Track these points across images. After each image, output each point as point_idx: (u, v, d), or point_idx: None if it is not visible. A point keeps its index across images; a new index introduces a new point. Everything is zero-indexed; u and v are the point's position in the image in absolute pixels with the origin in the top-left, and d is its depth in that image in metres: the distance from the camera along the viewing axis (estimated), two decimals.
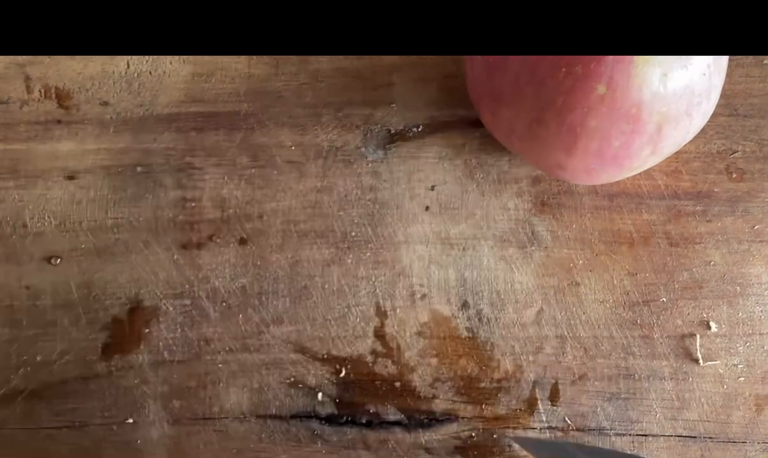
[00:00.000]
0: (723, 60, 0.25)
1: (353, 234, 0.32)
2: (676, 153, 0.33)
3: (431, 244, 0.32)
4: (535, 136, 0.25)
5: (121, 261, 0.32)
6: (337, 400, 0.31)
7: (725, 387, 0.30)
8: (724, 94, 0.33)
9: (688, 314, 0.31)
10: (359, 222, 0.32)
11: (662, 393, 0.30)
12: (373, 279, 0.32)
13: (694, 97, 0.24)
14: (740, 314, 0.31)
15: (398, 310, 0.32)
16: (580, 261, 0.32)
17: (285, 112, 0.34)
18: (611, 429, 0.30)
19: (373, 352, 0.31)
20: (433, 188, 0.33)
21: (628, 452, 0.30)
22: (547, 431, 0.30)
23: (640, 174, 0.33)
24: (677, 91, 0.24)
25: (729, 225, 0.32)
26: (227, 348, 0.32)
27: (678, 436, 0.30)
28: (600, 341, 0.31)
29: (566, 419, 0.31)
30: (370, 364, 0.31)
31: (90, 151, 0.33)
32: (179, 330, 0.32)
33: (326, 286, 0.32)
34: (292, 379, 0.31)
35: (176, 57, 0.34)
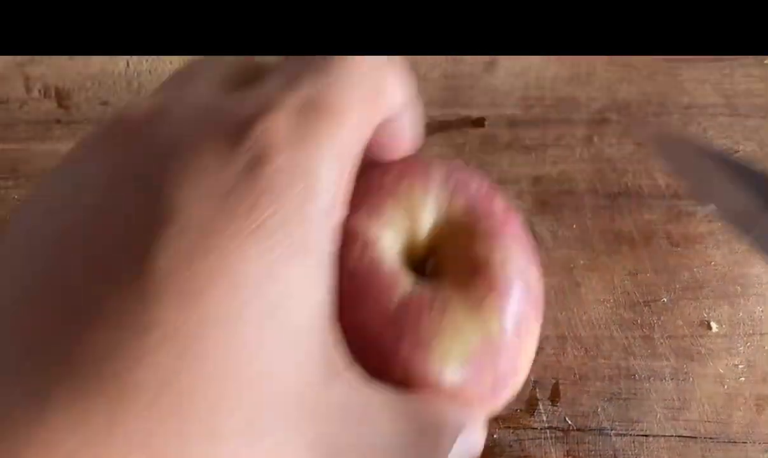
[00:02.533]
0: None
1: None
2: None
3: None
4: None
5: None
6: None
7: (726, 387, 0.30)
8: (726, 94, 0.33)
9: (689, 314, 0.31)
10: None
11: (663, 393, 0.30)
12: None
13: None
14: (741, 314, 0.31)
15: None
16: (581, 262, 0.32)
17: None
18: (612, 430, 0.30)
19: None
20: None
21: (629, 452, 0.30)
22: (548, 431, 0.30)
23: (640, 173, 0.33)
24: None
25: None
26: None
27: (679, 436, 0.30)
28: (601, 341, 0.31)
29: (567, 419, 0.30)
30: None
31: None
32: None
33: None
34: None
35: (176, 57, 0.34)
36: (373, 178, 0.23)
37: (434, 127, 0.33)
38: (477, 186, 0.24)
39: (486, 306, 0.22)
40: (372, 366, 0.20)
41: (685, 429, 0.30)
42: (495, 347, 0.22)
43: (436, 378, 0.21)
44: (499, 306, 0.22)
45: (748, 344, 0.31)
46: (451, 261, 0.22)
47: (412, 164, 0.24)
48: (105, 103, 0.34)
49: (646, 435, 0.30)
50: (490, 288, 0.22)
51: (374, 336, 0.20)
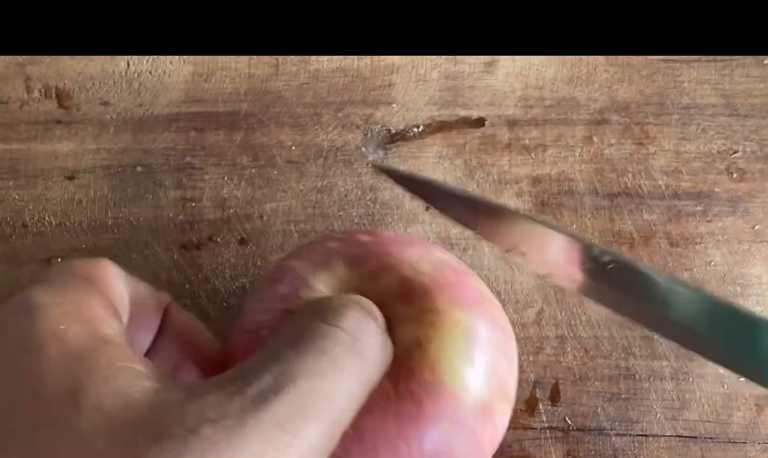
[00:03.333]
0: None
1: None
2: (676, 153, 0.33)
3: None
4: None
5: (121, 262, 0.32)
6: None
7: (726, 387, 0.30)
8: (725, 94, 0.33)
9: None
10: (359, 222, 0.32)
11: (663, 393, 0.30)
12: None
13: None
14: None
15: None
16: None
17: (285, 112, 0.34)
18: (612, 430, 0.30)
19: None
20: None
21: (629, 452, 0.30)
22: (548, 431, 0.30)
23: (640, 173, 0.33)
24: (486, 356, 0.22)
25: (729, 225, 0.32)
26: None
27: (678, 436, 0.30)
28: (600, 341, 0.31)
29: (567, 419, 0.30)
30: None
31: (90, 150, 0.33)
32: None
33: None
34: None
35: (176, 57, 0.34)
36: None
37: (434, 128, 0.33)
38: (335, 242, 0.24)
39: (442, 308, 0.22)
40: None
41: (685, 429, 0.30)
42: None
43: None
44: (450, 297, 0.22)
45: None
46: (386, 310, 0.22)
47: (282, 280, 0.24)
48: (105, 103, 0.34)
49: (645, 435, 0.30)
50: (430, 294, 0.22)
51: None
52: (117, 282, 0.21)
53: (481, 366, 0.22)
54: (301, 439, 0.16)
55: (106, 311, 0.19)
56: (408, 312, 0.22)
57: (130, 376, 0.17)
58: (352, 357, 0.18)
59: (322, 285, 0.23)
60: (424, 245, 0.25)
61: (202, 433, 0.15)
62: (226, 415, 0.15)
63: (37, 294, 0.19)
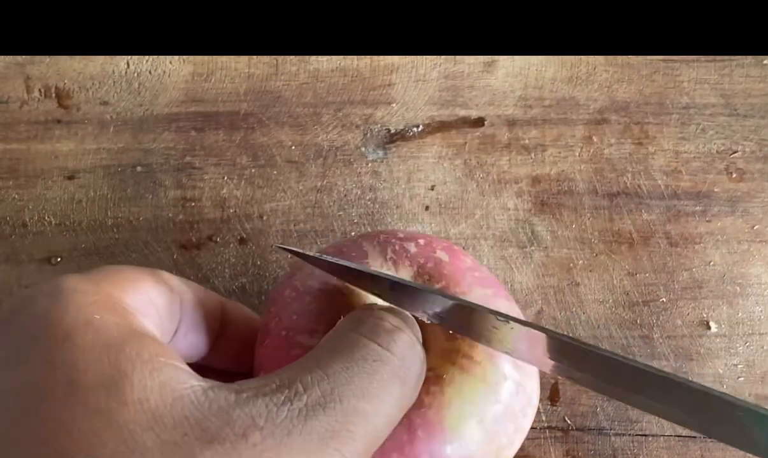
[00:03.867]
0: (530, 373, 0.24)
1: (353, 234, 0.32)
2: (676, 153, 0.33)
3: None
4: None
5: (121, 261, 0.32)
6: None
7: (725, 387, 0.30)
8: (724, 94, 0.33)
9: (688, 314, 0.31)
10: (359, 222, 0.32)
11: None
12: None
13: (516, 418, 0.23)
14: (740, 314, 0.31)
15: None
16: (580, 261, 0.32)
17: (285, 112, 0.34)
18: (611, 429, 0.30)
19: None
20: (432, 188, 0.33)
21: (628, 452, 0.30)
22: (547, 431, 0.30)
23: (639, 173, 0.33)
24: (497, 422, 0.22)
25: (729, 225, 0.32)
26: None
27: (678, 436, 0.30)
28: (600, 341, 0.31)
29: (566, 419, 0.30)
30: None
31: (90, 150, 0.33)
32: None
33: None
34: None
35: (176, 56, 0.34)
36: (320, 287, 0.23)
37: (433, 128, 0.33)
38: (414, 245, 0.24)
39: (478, 359, 0.22)
40: None
41: (684, 428, 0.30)
42: (503, 393, 0.22)
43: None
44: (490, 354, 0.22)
45: (747, 344, 0.31)
46: (427, 329, 0.22)
47: (347, 252, 0.24)
48: (105, 103, 0.34)
49: (645, 435, 0.30)
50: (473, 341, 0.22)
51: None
52: (160, 286, 0.21)
53: (488, 427, 0.21)
54: (342, 455, 0.16)
55: (142, 308, 0.19)
56: (446, 345, 0.22)
57: (175, 372, 0.16)
58: (398, 383, 0.18)
59: None
60: (496, 287, 0.24)
61: (251, 439, 0.15)
62: (274, 424, 0.16)
63: (69, 280, 0.18)
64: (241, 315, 0.25)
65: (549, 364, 0.21)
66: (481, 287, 0.24)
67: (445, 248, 0.24)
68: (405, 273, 0.23)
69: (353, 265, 0.23)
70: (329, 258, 0.23)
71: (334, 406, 0.16)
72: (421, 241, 0.24)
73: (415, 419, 0.20)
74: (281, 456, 0.15)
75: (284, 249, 0.24)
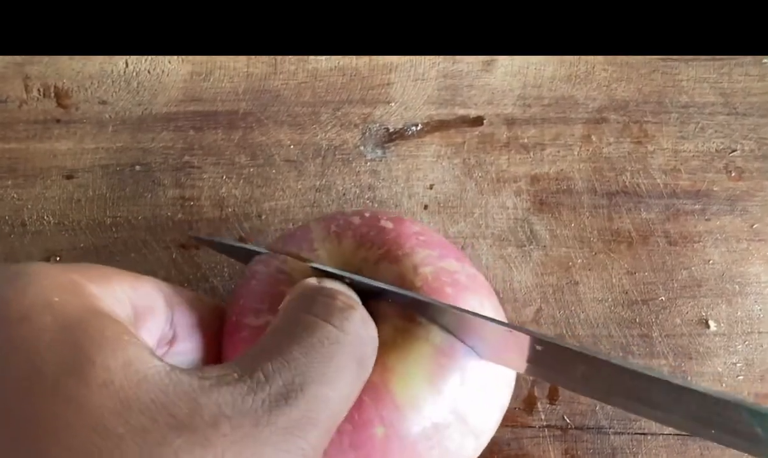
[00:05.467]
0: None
1: None
2: (675, 151, 0.33)
3: None
4: None
5: (120, 260, 0.32)
6: None
7: (724, 385, 0.30)
8: (723, 93, 0.33)
9: (687, 313, 0.31)
10: None
11: None
12: None
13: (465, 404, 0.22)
14: (739, 313, 0.31)
15: None
16: (579, 260, 0.32)
17: (283, 111, 0.34)
18: (610, 428, 0.30)
19: None
20: (431, 187, 0.33)
21: (627, 450, 0.30)
22: (546, 429, 0.30)
23: (638, 172, 0.33)
24: (452, 384, 0.21)
25: (728, 224, 0.32)
26: None
27: (677, 435, 0.30)
28: (599, 340, 0.31)
29: (565, 417, 0.30)
30: None
31: (89, 150, 0.33)
32: None
33: None
34: None
35: (175, 56, 0.34)
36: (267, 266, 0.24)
37: (432, 127, 0.33)
38: (359, 218, 0.24)
39: (421, 320, 0.21)
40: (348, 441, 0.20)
41: None
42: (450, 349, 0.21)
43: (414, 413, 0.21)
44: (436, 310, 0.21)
45: (747, 343, 0.31)
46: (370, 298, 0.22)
47: (294, 233, 0.25)
48: (104, 103, 0.34)
49: (644, 434, 0.30)
50: (420, 301, 0.21)
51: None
52: (143, 289, 0.20)
53: (441, 388, 0.21)
54: (308, 443, 0.16)
55: (107, 298, 0.19)
56: (387, 310, 0.22)
57: (138, 351, 0.16)
58: (354, 363, 0.18)
59: (324, 253, 0.23)
60: (443, 248, 0.24)
61: (221, 429, 0.15)
62: (241, 414, 0.15)
63: (33, 265, 0.18)
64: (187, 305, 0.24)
65: (523, 366, 0.21)
66: (426, 248, 0.23)
67: (391, 219, 0.24)
68: (348, 244, 0.23)
69: (257, 248, 0.24)
70: (232, 242, 0.24)
71: (296, 396, 0.16)
72: (367, 214, 0.25)
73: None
74: (249, 447, 0.15)
75: (197, 239, 0.25)
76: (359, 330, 0.19)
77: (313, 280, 0.22)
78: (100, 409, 0.15)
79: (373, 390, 0.20)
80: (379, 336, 0.21)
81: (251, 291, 0.23)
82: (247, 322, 0.22)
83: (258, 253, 0.24)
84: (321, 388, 0.17)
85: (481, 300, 0.23)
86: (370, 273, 0.23)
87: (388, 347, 0.21)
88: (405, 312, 0.22)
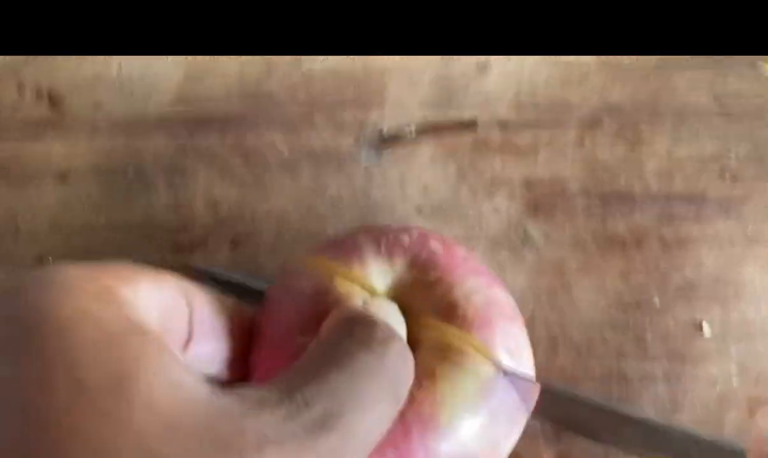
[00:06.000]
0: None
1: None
2: (669, 155, 0.33)
3: None
4: None
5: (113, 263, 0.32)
6: None
7: (718, 389, 0.30)
8: (718, 96, 0.33)
9: (682, 316, 0.31)
10: (352, 224, 0.32)
11: (655, 395, 0.30)
12: None
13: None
14: (733, 316, 0.31)
15: None
16: (573, 264, 0.32)
17: (277, 114, 0.34)
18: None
19: None
20: (425, 190, 0.33)
21: (622, 456, 0.30)
22: (540, 433, 0.30)
23: (632, 176, 0.33)
24: (492, 415, 0.22)
25: (722, 227, 0.32)
26: None
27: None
28: (593, 343, 0.31)
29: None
30: None
31: (82, 152, 0.33)
32: None
33: None
34: None
35: (168, 58, 0.34)
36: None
37: (426, 129, 0.33)
38: (407, 237, 0.24)
39: (470, 353, 0.22)
40: None
41: None
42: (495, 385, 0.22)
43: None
44: (485, 339, 0.22)
45: (741, 346, 0.31)
46: (420, 323, 0.22)
47: (343, 246, 0.24)
48: (97, 105, 0.34)
49: None
50: (469, 328, 0.22)
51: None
52: (166, 288, 0.20)
53: (483, 421, 0.22)
54: None
55: (140, 303, 0.18)
56: (437, 339, 0.22)
57: (180, 371, 0.16)
58: (391, 395, 0.19)
59: (376, 272, 0.23)
60: (488, 277, 0.24)
61: (266, 453, 0.15)
62: (284, 439, 0.16)
63: (62, 269, 0.17)
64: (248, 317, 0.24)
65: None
66: (475, 277, 0.24)
67: (439, 240, 0.25)
68: (399, 264, 0.23)
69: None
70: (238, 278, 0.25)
71: (335, 423, 0.16)
72: (415, 233, 0.25)
73: (408, 415, 0.20)
74: None
75: (196, 269, 0.25)
76: (397, 362, 0.19)
77: (357, 303, 0.22)
78: (144, 430, 0.15)
79: (423, 421, 0.21)
80: (429, 365, 0.21)
81: (297, 308, 0.23)
82: (292, 341, 0.22)
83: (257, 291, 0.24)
84: (358, 416, 0.17)
85: (522, 329, 0.24)
86: (422, 296, 0.23)
87: (438, 378, 0.21)
88: (451, 343, 0.22)
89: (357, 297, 0.22)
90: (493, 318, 0.23)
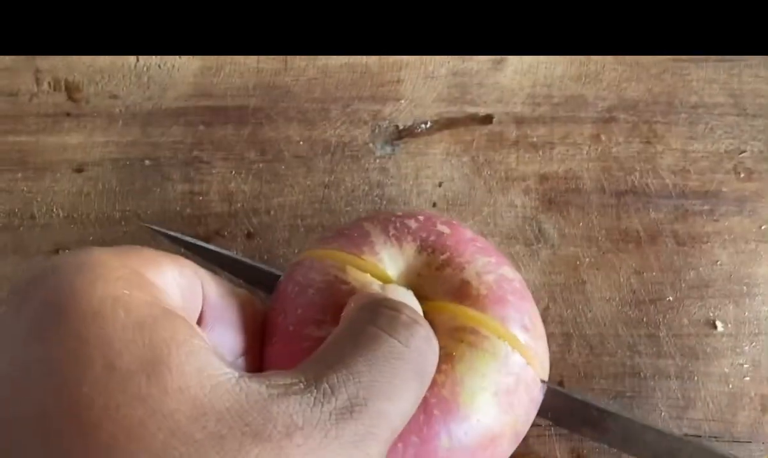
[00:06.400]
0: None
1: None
2: (684, 152, 0.33)
3: None
4: None
5: None
6: None
7: (731, 386, 0.30)
8: (733, 94, 0.33)
9: (695, 313, 0.31)
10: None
11: (668, 391, 0.30)
12: None
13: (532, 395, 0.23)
14: (746, 314, 0.31)
15: None
16: (587, 259, 0.32)
17: (293, 107, 0.34)
18: None
19: None
20: (440, 184, 0.33)
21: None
22: (552, 428, 0.30)
23: (647, 172, 0.33)
24: (511, 394, 0.22)
25: (736, 224, 0.32)
26: None
27: (683, 435, 0.30)
28: (606, 339, 0.31)
29: None
30: None
31: (98, 143, 0.33)
32: None
33: None
34: None
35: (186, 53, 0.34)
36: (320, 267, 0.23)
37: (442, 124, 0.33)
38: (414, 221, 0.24)
39: (486, 334, 0.22)
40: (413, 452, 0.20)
41: (690, 427, 0.30)
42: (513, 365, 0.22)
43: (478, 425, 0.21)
44: (500, 317, 0.22)
45: (754, 344, 0.31)
46: (434, 307, 0.23)
47: (349, 233, 0.24)
48: (114, 96, 0.34)
49: None
50: (483, 307, 0.22)
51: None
52: (186, 272, 0.20)
53: (502, 399, 0.22)
54: (369, 457, 0.16)
55: (167, 287, 0.19)
56: (452, 323, 0.22)
57: (209, 357, 0.16)
58: (417, 379, 0.19)
59: (386, 257, 0.23)
60: (497, 255, 0.25)
61: (295, 440, 0.15)
62: (312, 425, 0.16)
63: (93, 253, 0.18)
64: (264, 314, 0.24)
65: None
66: (484, 256, 0.24)
67: (445, 222, 0.25)
68: (409, 248, 0.23)
69: (219, 251, 0.25)
70: (196, 242, 0.26)
71: (361, 410, 0.17)
72: (421, 217, 0.25)
73: (429, 399, 0.21)
74: None
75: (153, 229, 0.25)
76: (423, 346, 0.19)
77: (377, 289, 0.22)
78: (177, 413, 0.15)
79: (443, 404, 0.21)
80: (445, 348, 0.21)
81: (310, 300, 0.23)
82: (308, 333, 0.22)
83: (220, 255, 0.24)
84: (384, 404, 0.17)
85: (533, 305, 0.25)
86: (433, 278, 0.23)
87: (456, 360, 0.21)
88: (465, 325, 0.22)
89: (373, 285, 0.22)
90: (506, 296, 0.23)
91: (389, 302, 0.20)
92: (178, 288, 0.20)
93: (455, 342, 0.22)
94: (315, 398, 0.16)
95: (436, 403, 0.21)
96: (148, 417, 0.15)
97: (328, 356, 0.18)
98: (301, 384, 0.17)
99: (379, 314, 0.19)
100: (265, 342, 0.23)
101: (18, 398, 0.15)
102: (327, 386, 0.17)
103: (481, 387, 0.21)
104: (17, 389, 0.15)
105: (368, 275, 0.23)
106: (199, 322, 0.21)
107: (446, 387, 0.21)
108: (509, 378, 0.22)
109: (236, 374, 0.16)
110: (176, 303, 0.19)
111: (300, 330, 0.22)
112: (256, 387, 0.16)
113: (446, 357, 0.21)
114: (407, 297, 0.22)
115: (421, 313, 0.22)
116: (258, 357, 0.23)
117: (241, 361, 0.23)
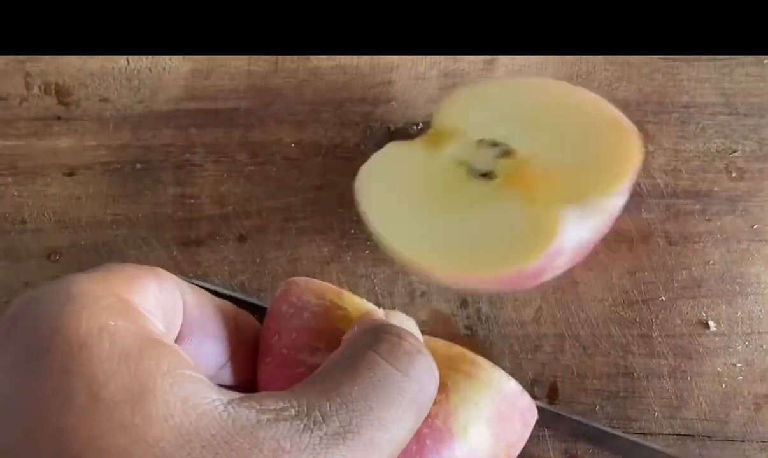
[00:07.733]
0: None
1: (352, 231, 0.32)
2: (675, 151, 0.33)
3: None
4: None
5: (120, 258, 0.32)
6: None
7: (724, 386, 0.30)
8: (725, 93, 0.33)
9: (687, 313, 0.31)
10: (358, 219, 0.32)
11: (661, 391, 0.30)
12: (373, 276, 0.32)
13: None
14: (739, 313, 0.31)
15: (397, 308, 0.32)
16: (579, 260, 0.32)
17: (284, 109, 0.34)
18: (610, 428, 0.30)
19: None
20: None
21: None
22: (546, 429, 0.30)
23: (639, 172, 0.33)
24: (504, 421, 0.23)
25: (728, 224, 0.32)
26: None
27: (676, 435, 0.30)
28: (599, 339, 0.31)
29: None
30: None
31: (89, 147, 0.33)
32: None
33: None
34: None
35: (176, 55, 0.34)
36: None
37: None
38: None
39: (481, 363, 0.22)
40: None
41: (683, 427, 0.30)
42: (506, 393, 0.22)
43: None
44: None
45: (746, 343, 0.31)
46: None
47: None
48: (105, 100, 0.34)
49: (643, 434, 0.30)
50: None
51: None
52: (166, 287, 0.20)
53: (496, 427, 0.22)
54: None
55: (151, 309, 0.19)
56: (447, 352, 0.22)
57: (195, 385, 0.16)
58: (414, 410, 0.18)
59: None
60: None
61: None
62: (299, 449, 0.16)
63: (76, 282, 0.18)
64: (251, 326, 0.24)
65: None
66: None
67: None
68: None
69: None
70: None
71: (353, 437, 0.16)
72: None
73: (422, 429, 0.20)
74: None
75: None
76: (423, 377, 0.19)
77: (380, 315, 0.22)
78: (161, 442, 0.15)
79: (436, 434, 0.21)
80: (441, 378, 0.21)
81: (306, 325, 0.23)
82: (302, 359, 0.22)
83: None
84: (377, 432, 0.17)
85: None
86: None
87: (450, 390, 0.21)
88: (469, 354, 0.22)
89: (378, 312, 0.22)
90: None
91: (392, 328, 0.20)
92: (160, 309, 0.20)
93: (450, 371, 0.22)
94: (305, 425, 0.16)
95: (429, 433, 0.21)
96: (133, 445, 0.15)
97: (325, 380, 0.18)
98: (293, 410, 0.16)
99: (380, 340, 0.19)
100: (259, 359, 0.23)
101: (2, 429, 0.15)
102: (319, 413, 0.17)
103: (475, 417, 0.21)
104: (2, 420, 0.15)
105: (365, 301, 0.23)
106: (180, 334, 0.21)
107: (440, 416, 0.21)
108: (503, 405, 0.22)
109: (225, 400, 0.16)
110: (161, 329, 0.19)
111: (294, 354, 0.22)
112: (245, 412, 0.16)
113: (441, 387, 0.21)
114: (410, 324, 0.22)
115: (422, 341, 0.22)
116: (242, 365, 0.23)
117: (225, 371, 0.23)
